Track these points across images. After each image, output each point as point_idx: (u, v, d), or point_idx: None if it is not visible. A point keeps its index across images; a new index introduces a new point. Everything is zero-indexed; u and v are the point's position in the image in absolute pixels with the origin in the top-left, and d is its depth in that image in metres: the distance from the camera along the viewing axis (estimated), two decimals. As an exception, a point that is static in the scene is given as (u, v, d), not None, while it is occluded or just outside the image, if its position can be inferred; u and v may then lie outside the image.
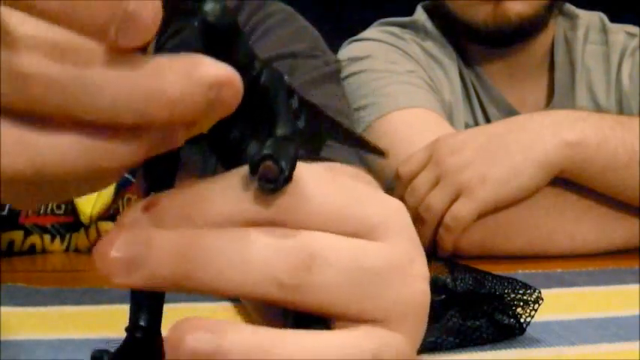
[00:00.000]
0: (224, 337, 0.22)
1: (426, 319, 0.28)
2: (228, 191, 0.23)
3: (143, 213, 0.23)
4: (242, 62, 0.22)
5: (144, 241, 0.22)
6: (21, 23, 0.19)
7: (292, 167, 0.23)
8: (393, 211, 0.26)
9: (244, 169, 0.24)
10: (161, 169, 0.25)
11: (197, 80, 0.20)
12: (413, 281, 0.26)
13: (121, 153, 0.21)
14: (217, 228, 0.23)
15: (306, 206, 0.24)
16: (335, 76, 0.84)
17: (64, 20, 0.19)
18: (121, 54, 0.20)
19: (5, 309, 0.50)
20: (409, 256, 0.26)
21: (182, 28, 0.22)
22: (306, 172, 0.24)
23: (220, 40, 0.22)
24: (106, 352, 0.25)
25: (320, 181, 0.25)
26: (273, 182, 0.23)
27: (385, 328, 0.25)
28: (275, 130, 0.24)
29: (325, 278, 0.24)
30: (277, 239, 0.23)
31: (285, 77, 0.25)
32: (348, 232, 0.25)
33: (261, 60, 0.24)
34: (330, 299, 0.24)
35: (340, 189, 0.25)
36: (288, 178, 0.23)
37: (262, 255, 0.23)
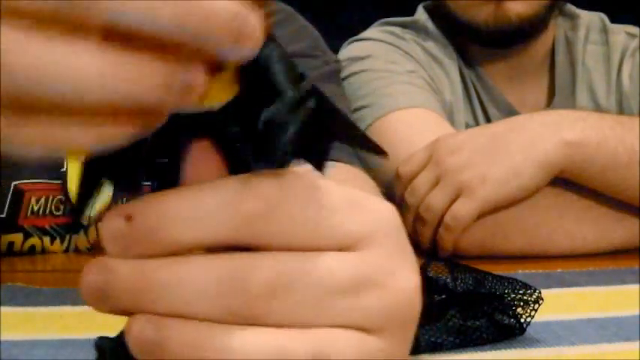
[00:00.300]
0: (164, 330, 0.23)
1: (412, 326, 0.27)
2: (202, 210, 0.24)
3: (125, 222, 0.24)
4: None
5: (107, 274, 0.24)
6: None
7: (292, 148, 0.23)
8: (376, 220, 0.26)
9: (224, 182, 0.24)
10: (167, 158, 0.25)
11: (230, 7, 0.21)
12: (391, 292, 0.26)
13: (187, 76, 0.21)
14: (178, 254, 0.24)
15: (280, 226, 0.24)
16: (335, 75, 0.83)
17: None
18: None
19: (5, 309, 0.50)
20: (388, 267, 0.26)
21: None
22: (285, 185, 0.24)
23: None
24: (110, 339, 0.25)
25: (299, 195, 0.25)
26: (270, 162, 0.23)
27: (372, 336, 0.25)
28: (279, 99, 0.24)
29: (288, 304, 0.24)
30: (235, 268, 0.24)
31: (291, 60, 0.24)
32: (325, 247, 0.25)
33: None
34: (294, 322, 0.24)
35: (321, 200, 0.25)
36: (287, 158, 0.24)
37: (213, 289, 0.23)
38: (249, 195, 0.24)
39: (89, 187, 0.25)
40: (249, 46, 0.22)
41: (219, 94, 0.23)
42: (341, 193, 0.26)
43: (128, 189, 0.25)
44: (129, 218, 0.24)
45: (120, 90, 0.20)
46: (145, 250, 0.24)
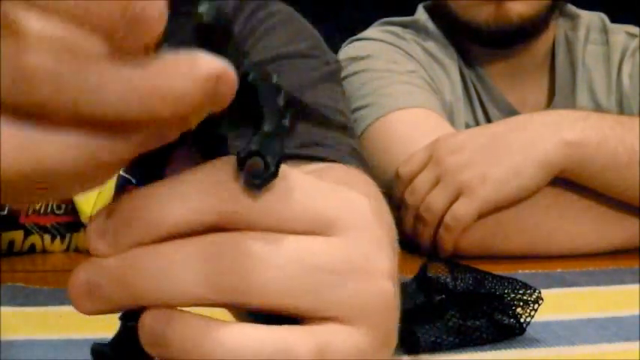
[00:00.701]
0: (169, 324, 0.23)
1: (392, 314, 0.27)
2: (179, 191, 0.24)
3: (107, 219, 0.24)
4: (232, 60, 0.22)
5: (94, 268, 0.24)
6: (27, 19, 0.19)
7: (278, 163, 0.24)
8: (352, 206, 0.26)
9: (200, 169, 0.24)
10: (151, 163, 0.25)
11: (199, 76, 0.21)
12: (369, 278, 0.26)
13: (121, 148, 0.21)
14: (160, 241, 0.24)
15: (256, 206, 0.24)
16: (335, 76, 0.83)
17: (75, 19, 0.19)
18: (128, 52, 0.20)
19: (5, 309, 0.50)
20: (365, 253, 0.26)
21: (179, 28, 0.22)
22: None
23: (214, 40, 0.23)
24: (105, 345, 0.25)
25: (276, 181, 0.25)
26: (259, 178, 0.24)
27: (345, 325, 0.25)
28: (262, 127, 0.25)
29: (265, 279, 0.24)
30: (221, 243, 0.24)
31: (274, 77, 0.25)
32: (301, 230, 0.25)
33: (250, 59, 0.25)
34: (273, 299, 0.24)
35: (297, 187, 0.25)
36: (275, 174, 0.24)
37: (200, 267, 0.24)
38: (229, 177, 0.24)
39: None
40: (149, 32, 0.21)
41: None
42: (311, 180, 0.26)
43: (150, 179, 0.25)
44: (109, 214, 0.24)
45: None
46: (127, 239, 0.24)
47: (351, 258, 0.26)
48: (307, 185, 0.26)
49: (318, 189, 0.26)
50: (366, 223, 0.27)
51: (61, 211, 0.72)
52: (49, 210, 0.71)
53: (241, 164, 0.24)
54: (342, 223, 0.26)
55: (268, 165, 0.24)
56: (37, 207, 0.71)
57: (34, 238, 0.71)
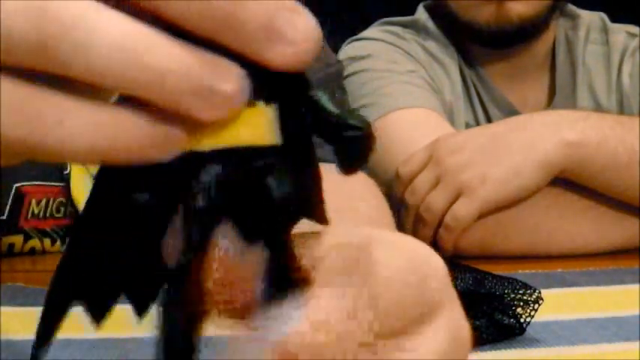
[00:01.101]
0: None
1: None
2: None
3: None
4: None
5: None
6: None
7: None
8: None
9: None
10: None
11: None
12: None
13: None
14: None
15: None
16: (338, 78, 0.83)
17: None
18: None
19: (5, 309, 0.50)
20: None
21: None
22: None
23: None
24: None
25: None
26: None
27: None
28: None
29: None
30: None
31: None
32: None
33: None
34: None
35: None
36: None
37: None
38: None
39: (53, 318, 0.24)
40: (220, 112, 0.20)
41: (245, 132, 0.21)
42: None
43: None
44: None
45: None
46: None
47: None
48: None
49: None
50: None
51: (60, 214, 0.72)
52: (48, 214, 0.71)
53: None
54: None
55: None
56: (37, 211, 0.71)
57: (34, 242, 0.71)
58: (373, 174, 0.71)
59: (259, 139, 0.21)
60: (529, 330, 0.46)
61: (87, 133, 0.20)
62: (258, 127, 0.21)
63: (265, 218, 0.21)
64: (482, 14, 0.90)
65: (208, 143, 0.21)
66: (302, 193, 0.22)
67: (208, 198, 0.21)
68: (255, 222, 0.21)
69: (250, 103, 0.21)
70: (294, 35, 0.20)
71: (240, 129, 0.21)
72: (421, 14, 1.01)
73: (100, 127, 0.20)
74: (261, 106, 0.21)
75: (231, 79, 0.20)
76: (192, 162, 0.21)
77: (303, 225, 0.23)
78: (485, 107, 0.98)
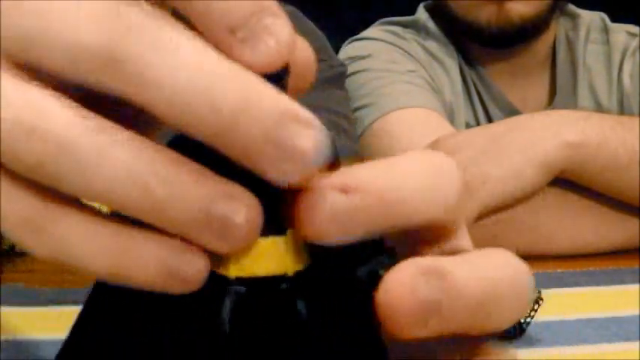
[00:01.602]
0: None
1: None
2: None
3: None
4: None
5: None
6: None
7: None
8: None
9: None
10: None
11: None
12: None
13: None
14: None
15: None
16: (340, 79, 0.83)
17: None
18: None
19: (5, 309, 0.50)
20: None
21: None
22: None
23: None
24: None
25: None
26: None
27: None
28: None
29: None
30: None
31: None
32: None
33: None
34: None
35: None
36: None
37: None
38: None
39: None
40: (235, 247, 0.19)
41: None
42: None
43: None
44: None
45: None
46: None
47: None
48: None
49: None
50: None
51: None
52: None
53: None
54: None
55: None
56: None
57: None
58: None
59: (283, 269, 0.20)
60: (529, 330, 0.46)
61: (100, 259, 0.19)
62: (281, 257, 0.20)
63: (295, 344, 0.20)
64: (483, 14, 0.90)
65: (234, 270, 0.19)
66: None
67: (235, 326, 0.19)
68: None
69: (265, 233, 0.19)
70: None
71: (261, 260, 0.19)
72: (421, 14, 1.01)
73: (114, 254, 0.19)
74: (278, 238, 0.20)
75: (243, 211, 0.18)
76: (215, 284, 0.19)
77: None
78: (486, 107, 0.98)
